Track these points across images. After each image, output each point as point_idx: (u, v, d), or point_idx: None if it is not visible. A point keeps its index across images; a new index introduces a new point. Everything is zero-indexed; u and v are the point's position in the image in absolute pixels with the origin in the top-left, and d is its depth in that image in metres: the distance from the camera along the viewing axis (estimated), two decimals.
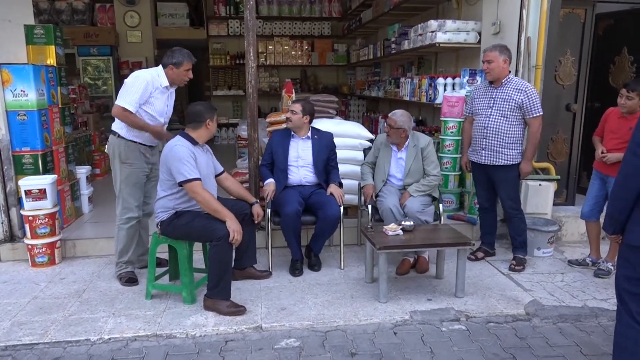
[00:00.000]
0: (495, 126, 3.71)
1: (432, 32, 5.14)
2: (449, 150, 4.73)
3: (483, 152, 3.79)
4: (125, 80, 3.43)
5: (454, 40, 5.05)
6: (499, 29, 4.63)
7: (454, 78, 5.12)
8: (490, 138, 3.73)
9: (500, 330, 3.01)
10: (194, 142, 3.14)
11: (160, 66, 3.47)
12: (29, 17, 4.28)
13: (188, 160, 3.02)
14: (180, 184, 3.03)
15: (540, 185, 4.37)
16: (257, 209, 3.46)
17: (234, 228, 3.03)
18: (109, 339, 2.85)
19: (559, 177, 4.56)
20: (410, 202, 3.72)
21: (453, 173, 4.77)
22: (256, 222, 3.48)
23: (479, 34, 5.04)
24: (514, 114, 3.66)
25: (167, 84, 3.45)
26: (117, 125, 3.49)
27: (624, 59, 4.94)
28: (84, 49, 9.02)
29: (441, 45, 5.07)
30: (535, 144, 3.72)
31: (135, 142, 3.46)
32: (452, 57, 5.91)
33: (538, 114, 3.63)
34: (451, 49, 5.61)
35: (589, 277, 3.73)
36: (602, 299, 3.36)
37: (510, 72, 3.73)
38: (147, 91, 3.37)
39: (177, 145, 3.05)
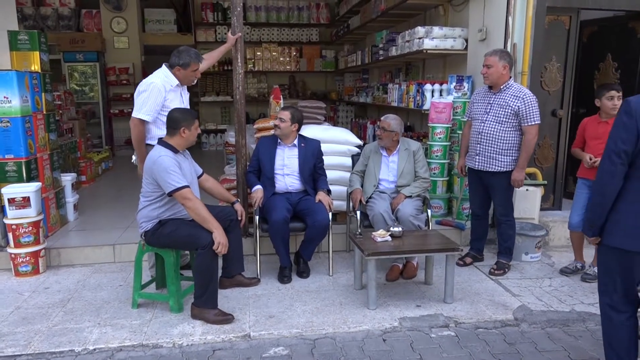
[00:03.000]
0: (489, 132, 3.70)
1: (419, 38, 5.17)
2: (437, 156, 4.74)
3: (477, 157, 3.79)
4: (138, 89, 3.42)
5: (441, 47, 5.08)
6: (485, 36, 4.67)
7: (441, 84, 5.14)
8: (484, 143, 3.73)
9: (489, 336, 3.01)
10: (174, 150, 3.10)
11: (164, 66, 3.49)
12: (12, 23, 4.24)
13: (174, 169, 2.98)
14: (170, 193, 2.99)
15: (527, 190, 4.39)
16: (239, 207, 3.51)
17: (220, 240, 3.00)
18: (94, 349, 2.80)
19: (545, 182, 4.60)
20: (403, 206, 3.72)
21: (441, 178, 4.78)
22: (239, 218, 3.47)
23: (466, 40, 5.08)
24: (509, 120, 3.63)
25: (178, 82, 3.48)
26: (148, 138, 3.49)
27: (608, 65, 5.01)
28: (70, 55, 8.95)
29: (428, 51, 5.09)
30: (530, 152, 3.65)
31: None
32: (440, 63, 5.95)
33: (534, 123, 3.58)
34: (439, 55, 5.64)
35: (576, 282, 3.75)
36: (590, 304, 3.38)
37: (511, 77, 3.71)
38: (161, 97, 3.38)
39: (162, 156, 3.00)
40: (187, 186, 3.01)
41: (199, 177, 3.39)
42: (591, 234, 2.30)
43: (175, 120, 3.10)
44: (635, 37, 4.75)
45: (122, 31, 9.43)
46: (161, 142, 3.12)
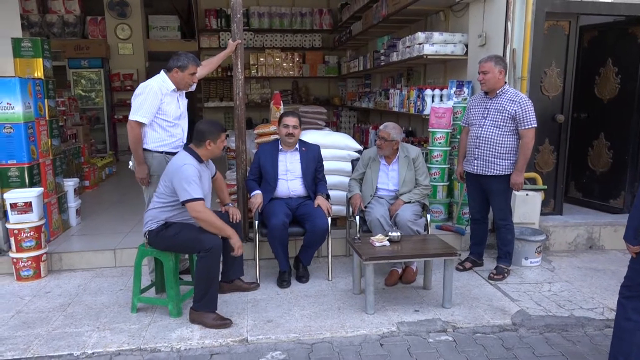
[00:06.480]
0: (487, 136, 3.72)
1: (420, 44, 5.19)
2: (437, 161, 4.75)
3: (476, 162, 3.81)
4: (135, 92, 3.45)
5: (442, 52, 5.09)
6: (485, 41, 4.68)
7: (441, 89, 5.15)
8: (483, 148, 3.75)
9: (487, 341, 3.00)
10: (199, 159, 3.15)
11: (163, 71, 3.51)
12: (16, 30, 4.30)
13: (194, 179, 3.02)
14: (184, 202, 3.02)
15: (527, 195, 4.39)
16: (230, 209, 3.55)
17: (239, 244, 3.12)
18: (93, 353, 2.82)
19: (545, 186, 4.59)
20: (402, 211, 3.73)
21: (441, 183, 4.78)
22: (232, 220, 3.49)
23: (466, 45, 5.09)
24: (507, 124, 3.67)
25: (174, 87, 3.49)
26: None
27: (609, 70, 5.00)
28: (75, 62, 9.06)
29: (429, 57, 5.11)
30: (527, 155, 3.67)
31: (160, 152, 3.48)
32: (441, 68, 5.97)
33: (531, 126, 3.61)
34: (439, 61, 5.65)
35: (576, 287, 3.74)
36: (589, 309, 3.37)
37: (506, 82, 3.75)
38: (157, 99, 3.40)
39: (187, 164, 3.04)
40: (202, 199, 3.04)
41: (213, 177, 3.43)
42: (637, 242, 2.30)
43: (201, 132, 3.14)
44: (636, 42, 4.75)
45: (126, 38, 9.52)
46: (188, 148, 3.17)
